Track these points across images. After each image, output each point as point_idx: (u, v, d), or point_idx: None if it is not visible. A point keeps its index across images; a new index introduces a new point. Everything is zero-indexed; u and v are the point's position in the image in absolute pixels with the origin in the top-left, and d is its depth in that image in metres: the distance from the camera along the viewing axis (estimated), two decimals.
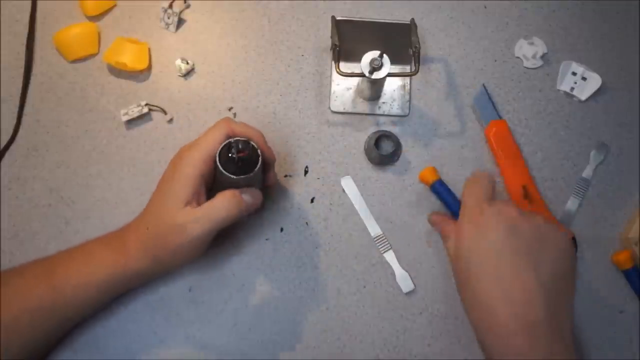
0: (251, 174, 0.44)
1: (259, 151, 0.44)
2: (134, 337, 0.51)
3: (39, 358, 0.49)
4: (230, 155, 0.43)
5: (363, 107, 0.57)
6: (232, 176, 0.43)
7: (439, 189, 0.53)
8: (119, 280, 0.46)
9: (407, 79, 0.58)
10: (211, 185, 0.47)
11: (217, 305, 0.52)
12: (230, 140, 0.44)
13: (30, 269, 0.47)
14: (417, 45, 0.52)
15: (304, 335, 0.52)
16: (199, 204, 0.45)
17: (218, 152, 0.44)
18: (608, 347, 0.53)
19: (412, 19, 0.54)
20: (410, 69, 0.55)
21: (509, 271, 0.42)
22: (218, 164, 0.43)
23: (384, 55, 0.50)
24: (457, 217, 0.53)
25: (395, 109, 0.57)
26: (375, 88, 0.55)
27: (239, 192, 0.45)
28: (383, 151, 0.55)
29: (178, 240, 0.44)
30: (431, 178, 0.53)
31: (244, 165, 0.44)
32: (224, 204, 0.44)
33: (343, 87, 0.58)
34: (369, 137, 0.56)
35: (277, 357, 0.51)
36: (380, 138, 0.55)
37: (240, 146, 0.43)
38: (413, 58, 0.52)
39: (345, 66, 0.56)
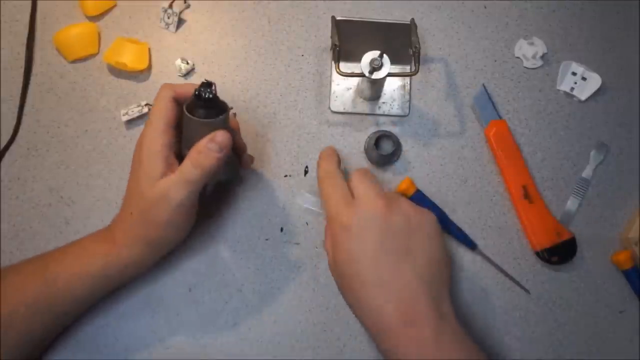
0: (222, 116, 0.44)
1: (221, 100, 0.44)
2: (134, 337, 0.51)
3: (37, 354, 0.49)
4: (200, 96, 0.42)
5: (363, 107, 0.57)
6: (201, 120, 0.43)
7: (419, 199, 0.54)
8: (113, 270, 0.46)
9: (407, 79, 0.58)
10: (179, 152, 0.46)
11: (217, 305, 0.52)
12: (196, 87, 0.43)
13: (25, 266, 0.47)
14: (417, 45, 0.52)
15: (304, 335, 0.52)
16: (173, 172, 0.44)
17: (185, 106, 0.43)
18: (608, 347, 0.53)
19: (412, 19, 0.54)
20: (410, 69, 0.55)
21: (388, 271, 0.42)
22: (186, 112, 0.43)
23: (384, 55, 0.50)
24: (440, 224, 0.51)
25: (395, 109, 0.57)
26: (375, 88, 0.55)
27: (203, 143, 0.43)
28: (383, 151, 0.55)
29: (163, 212, 0.43)
30: (410, 190, 0.53)
31: (210, 110, 0.43)
32: (194, 162, 0.43)
33: (343, 87, 0.58)
34: (369, 137, 0.56)
35: (277, 357, 0.51)
36: (380, 138, 0.55)
37: (207, 88, 0.43)
38: (413, 58, 0.52)
39: (345, 66, 0.56)
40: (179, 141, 0.46)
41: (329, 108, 0.57)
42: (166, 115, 0.44)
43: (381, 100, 0.57)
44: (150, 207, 0.44)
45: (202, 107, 0.43)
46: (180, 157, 0.46)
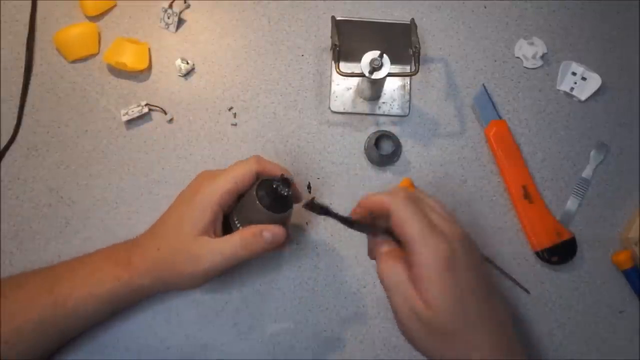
0: (284, 214, 0.44)
1: (292, 194, 0.45)
2: (134, 337, 0.51)
3: None
4: (276, 190, 0.43)
5: (363, 107, 0.57)
6: (267, 211, 0.43)
7: None
8: (122, 295, 0.46)
9: (407, 79, 0.58)
10: (235, 216, 0.46)
11: (217, 305, 0.52)
12: (275, 178, 0.44)
13: (32, 280, 0.46)
14: (417, 45, 0.52)
15: (304, 335, 0.52)
16: (215, 234, 0.44)
17: (257, 185, 0.44)
18: (608, 347, 0.53)
19: (412, 19, 0.54)
20: (410, 69, 0.55)
21: (485, 304, 0.38)
22: (256, 198, 0.43)
23: (384, 55, 0.50)
24: None
25: (395, 109, 0.57)
26: (375, 88, 0.55)
27: (260, 229, 0.44)
28: (383, 151, 0.55)
29: (189, 270, 0.44)
30: (410, 190, 0.53)
31: (277, 203, 0.44)
32: (244, 242, 0.43)
33: (343, 87, 0.58)
34: (369, 137, 0.56)
35: (277, 357, 0.51)
36: (380, 138, 0.55)
37: (284, 185, 0.43)
38: (413, 58, 0.52)
39: (345, 66, 0.56)
40: (232, 208, 0.46)
41: (329, 108, 0.57)
42: (241, 183, 0.44)
43: (381, 100, 0.57)
44: (179, 259, 0.44)
45: (272, 198, 0.44)
46: (225, 217, 0.46)
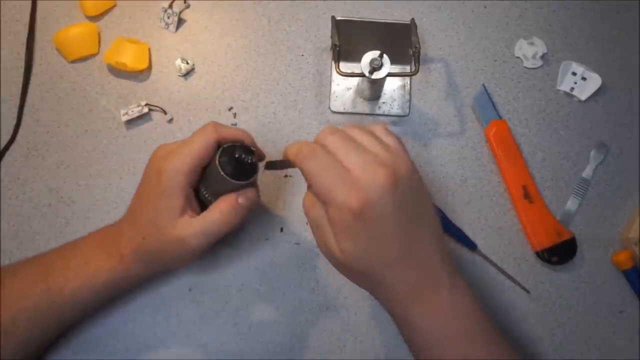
0: (251, 179, 0.44)
1: (256, 159, 0.44)
2: (134, 337, 0.51)
3: (36, 357, 0.49)
4: (237, 158, 0.43)
5: (363, 107, 0.57)
6: (236, 182, 0.43)
7: None
8: (117, 284, 0.46)
9: (407, 79, 0.58)
10: (202, 187, 0.46)
11: (217, 305, 0.52)
12: (234, 144, 0.44)
13: (25, 269, 0.46)
14: (417, 45, 0.52)
15: (304, 335, 0.52)
16: (192, 210, 0.44)
17: (218, 156, 0.43)
18: (608, 347, 0.53)
19: (412, 19, 0.54)
20: (410, 69, 0.55)
21: (408, 243, 0.39)
22: (220, 170, 0.43)
23: (384, 55, 0.50)
24: (441, 224, 0.49)
25: (395, 109, 0.57)
26: (375, 88, 0.55)
27: (235, 199, 0.44)
28: None
29: (176, 253, 0.44)
30: None
31: (242, 169, 0.44)
32: (223, 216, 0.43)
33: (343, 87, 0.58)
34: None
35: (277, 357, 0.51)
36: None
37: (245, 152, 0.43)
38: (413, 58, 0.52)
39: (345, 66, 0.56)
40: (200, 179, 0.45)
41: (329, 108, 0.57)
42: (202, 155, 0.43)
43: (381, 100, 0.57)
44: (166, 245, 0.44)
45: (235, 167, 0.43)
46: (196, 193, 0.46)
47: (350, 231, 0.37)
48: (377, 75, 0.50)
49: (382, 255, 0.39)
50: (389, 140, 0.40)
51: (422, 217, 0.40)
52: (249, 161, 0.43)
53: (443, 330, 0.41)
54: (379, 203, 0.37)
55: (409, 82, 0.58)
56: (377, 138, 0.40)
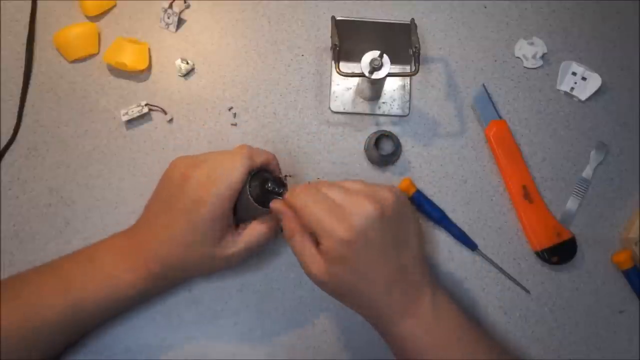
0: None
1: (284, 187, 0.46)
2: (134, 337, 0.51)
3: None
4: (267, 188, 0.45)
5: (363, 107, 0.57)
6: (262, 209, 0.45)
7: (418, 199, 0.54)
8: (140, 297, 0.48)
9: (407, 79, 0.58)
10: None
11: (217, 305, 0.52)
12: (264, 172, 0.46)
13: (41, 281, 0.46)
14: (417, 45, 0.52)
15: (304, 335, 0.52)
16: (229, 226, 0.46)
17: (249, 185, 0.45)
18: (608, 347, 0.53)
19: (412, 19, 0.54)
20: (410, 69, 0.55)
21: (394, 265, 0.43)
22: (250, 198, 0.45)
23: (384, 55, 0.50)
24: (440, 224, 0.54)
25: (395, 109, 0.57)
26: (375, 88, 0.55)
27: (273, 221, 0.47)
28: (383, 151, 0.55)
29: (217, 269, 0.48)
30: (410, 190, 0.54)
31: (269, 197, 0.46)
32: (263, 236, 0.47)
33: (343, 87, 0.58)
34: (369, 137, 0.56)
35: (277, 357, 0.51)
36: (380, 138, 0.55)
37: (276, 184, 0.45)
38: (413, 58, 0.52)
39: (345, 66, 0.56)
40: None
41: (329, 108, 0.57)
42: (237, 184, 0.44)
43: (381, 100, 0.57)
44: (214, 263, 0.46)
45: (266, 196, 0.46)
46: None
47: (340, 259, 0.41)
48: (377, 75, 0.50)
49: (370, 279, 0.42)
50: (350, 187, 0.44)
51: (407, 241, 0.44)
52: (278, 192, 0.45)
53: (429, 341, 0.43)
54: (366, 233, 0.40)
55: (409, 82, 0.58)
56: (360, 182, 0.44)
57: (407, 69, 0.58)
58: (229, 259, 0.46)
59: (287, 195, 0.44)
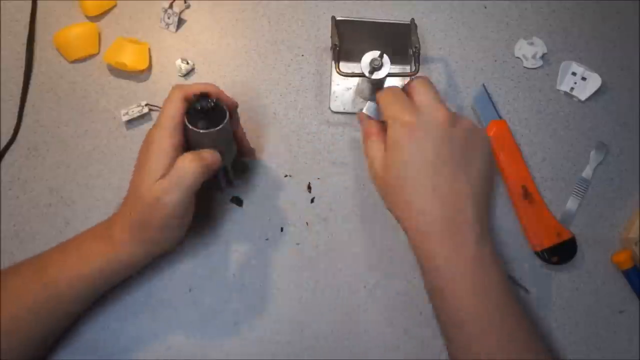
0: (220, 126, 0.44)
1: (222, 104, 0.45)
2: (134, 338, 0.51)
3: (41, 356, 0.49)
4: (196, 108, 0.44)
5: (363, 107, 0.57)
6: (201, 130, 0.44)
7: None
8: (112, 270, 0.46)
9: (407, 79, 0.58)
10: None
11: (217, 305, 0.52)
12: (194, 97, 0.44)
13: (24, 268, 0.46)
14: (417, 45, 0.52)
15: (304, 335, 0.52)
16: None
17: (186, 112, 0.44)
18: (608, 347, 0.53)
19: (412, 19, 0.54)
20: (410, 69, 0.55)
21: (443, 178, 0.42)
22: (187, 123, 0.44)
23: (384, 55, 0.50)
24: None
25: None
26: (375, 88, 0.55)
27: (196, 152, 0.45)
28: None
29: (158, 214, 0.44)
30: None
31: (213, 120, 0.44)
32: (186, 167, 0.44)
33: (343, 87, 0.58)
34: None
35: (277, 357, 0.51)
36: None
37: (204, 100, 0.44)
38: (413, 58, 0.52)
39: (345, 66, 0.56)
40: (186, 144, 0.46)
41: (329, 108, 0.57)
42: (176, 116, 0.44)
43: None
44: (146, 209, 0.44)
45: (203, 118, 0.44)
46: None
47: (398, 145, 0.43)
48: (377, 75, 0.50)
49: (415, 174, 0.42)
50: (431, 97, 0.45)
51: (470, 170, 0.44)
52: (208, 105, 0.44)
53: (465, 281, 0.41)
54: (429, 127, 0.43)
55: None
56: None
57: (407, 69, 0.58)
58: (159, 200, 0.43)
59: (377, 95, 0.47)
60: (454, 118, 0.44)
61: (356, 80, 0.57)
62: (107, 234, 0.46)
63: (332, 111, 0.57)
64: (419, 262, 0.44)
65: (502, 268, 0.43)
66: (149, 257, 0.48)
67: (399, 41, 0.55)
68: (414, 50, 0.52)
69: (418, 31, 0.53)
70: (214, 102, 0.44)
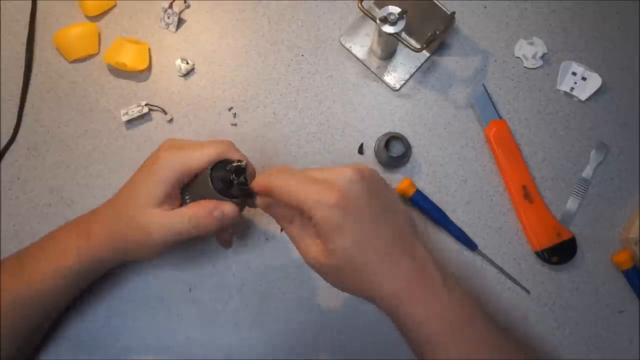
0: (237, 200, 0.43)
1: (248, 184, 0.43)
2: (134, 337, 0.51)
3: (26, 353, 0.49)
4: (231, 178, 0.43)
5: (374, 62, 0.57)
6: (221, 197, 0.43)
7: (419, 199, 0.54)
8: (83, 268, 0.45)
9: (419, 62, 0.58)
10: (187, 191, 0.46)
11: (217, 305, 0.52)
12: (239, 163, 0.43)
13: (8, 264, 0.46)
14: (438, 32, 0.51)
15: (304, 335, 0.52)
16: (170, 207, 0.43)
17: (211, 166, 0.43)
18: (608, 347, 0.53)
19: (454, 12, 0.53)
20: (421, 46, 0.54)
21: (390, 232, 0.39)
22: (210, 180, 0.42)
23: (405, 16, 0.49)
24: (440, 224, 0.54)
25: (390, 79, 0.58)
26: (383, 46, 0.54)
27: (212, 209, 0.43)
28: (393, 153, 0.54)
29: (140, 239, 0.43)
30: (410, 190, 0.53)
31: (233, 188, 0.43)
32: (193, 220, 0.42)
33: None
34: (378, 138, 0.56)
35: (277, 357, 0.51)
36: (390, 140, 0.55)
37: (243, 175, 0.43)
38: (427, 38, 0.51)
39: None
40: (191, 183, 0.45)
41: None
42: (202, 163, 0.43)
43: (391, 64, 0.58)
44: (131, 228, 0.43)
45: (225, 183, 0.43)
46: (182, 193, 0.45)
47: (336, 228, 0.38)
48: (386, 28, 0.49)
49: (372, 246, 0.38)
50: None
51: (395, 206, 0.41)
52: (236, 181, 0.43)
53: (445, 321, 0.39)
54: (353, 195, 0.38)
55: (417, 66, 0.58)
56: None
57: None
58: (147, 231, 0.43)
59: (262, 178, 0.40)
60: (359, 171, 0.39)
61: (365, 53, 0.57)
62: (85, 229, 0.45)
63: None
64: (399, 326, 0.41)
65: (471, 295, 0.42)
66: (122, 260, 0.48)
67: (427, 23, 0.54)
68: (433, 33, 0.51)
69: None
70: (241, 180, 0.43)
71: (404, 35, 0.51)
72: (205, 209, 0.43)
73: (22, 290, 0.44)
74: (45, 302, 0.46)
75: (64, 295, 0.47)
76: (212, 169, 0.43)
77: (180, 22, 0.59)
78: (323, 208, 0.37)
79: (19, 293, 0.44)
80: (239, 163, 0.43)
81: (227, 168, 0.43)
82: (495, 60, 0.59)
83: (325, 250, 0.39)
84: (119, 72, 0.57)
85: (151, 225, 0.42)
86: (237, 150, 0.45)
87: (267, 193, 0.40)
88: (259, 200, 0.42)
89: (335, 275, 0.40)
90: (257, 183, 0.41)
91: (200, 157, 0.43)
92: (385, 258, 0.39)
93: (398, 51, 0.58)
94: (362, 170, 0.40)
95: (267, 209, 0.42)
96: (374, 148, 0.56)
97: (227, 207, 0.43)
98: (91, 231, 0.45)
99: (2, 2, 0.59)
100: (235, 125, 0.57)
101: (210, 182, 0.42)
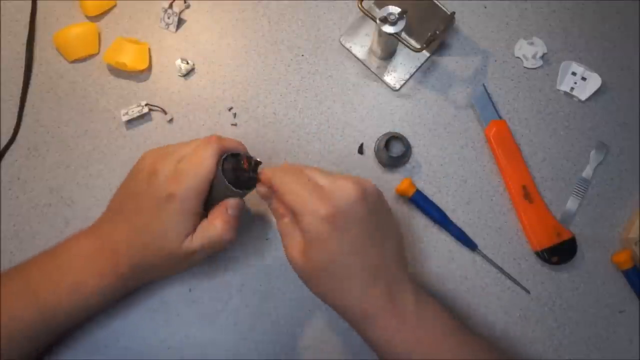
0: (249, 190, 0.46)
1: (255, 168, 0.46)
2: (134, 338, 0.51)
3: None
4: (241, 171, 0.45)
5: (373, 62, 0.57)
6: (238, 191, 0.44)
7: (418, 199, 0.54)
8: (111, 298, 0.46)
9: (418, 63, 0.58)
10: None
11: (217, 305, 0.52)
12: (240, 154, 0.46)
13: (10, 288, 0.44)
14: (438, 32, 0.51)
15: (304, 335, 0.52)
16: (199, 220, 0.45)
17: (222, 167, 0.44)
18: (608, 347, 0.53)
19: (453, 12, 0.53)
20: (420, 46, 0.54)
21: (374, 255, 0.41)
22: (224, 179, 0.44)
23: (404, 16, 0.49)
24: (440, 224, 0.54)
25: (390, 79, 0.57)
26: (383, 46, 0.54)
27: (225, 213, 0.44)
28: (393, 153, 0.54)
29: (182, 268, 0.47)
30: (410, 190, 0.53)
31: (240, 180, 0.45)
32: (219, 231, 0.44)
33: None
34: (379, 138, 0.56)
35: (277, 357, 0.51)
36: (390, 140, 0.55)
37: (252, 163, 0.45)
38: (427, 38, 0.51)
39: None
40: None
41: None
42: (208, 175, 0.43)
43: (391, 64, 0.58)
44: (175, 260, 0.44)
45: (236, 176, 0.44)
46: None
47: (319, 238, 0.39)
48: (385, 28, 0.49)
49: (350, 266, 0.40)
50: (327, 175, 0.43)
51: (389, 233, 0.43)
52: (254, 171, 0.45)
53: (413, 342, 0.41)
54: (348, 214, 0.39)
55: (417, 66, 0.58)
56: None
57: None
58: (191, 257, 0.44)
59: (268, 173, 0.43)
60: (363, 189, 0.41)
61: (365, 51, 0.57)
62: (111, 269, 0.44)
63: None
64: (368, 341, 0.43)
65: (444, 310, 0.43)
66: (144, 283, 0.50)
67: (426, 24, 0.54)
68: (433, 33, 0.51)
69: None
70: (254, 174, 0.45)
71: (404, 35, 0.51)
72: (222, 217, 0.44)
73: (41, 320, 0.44)
74: (64, 326, 0.46)
75: (84, 318, 0.47)
76: (223, 167, 0.44)
77: (180, 22, 0.59)
78: (313, 217, 0.39)
79: (37, 323, 0.44)
80: (254, 158, 0.46)
81: (241, 166, 0.45)
82: (495, 60, 0.59)
83: (305, 253, 0.40)
84: (119, 72, 0.57)
85: (193, 251, 0.44)
86: (226, 139, 0.46)
87: (269, 186, 0.43)
88: (260, 187, 0.45)
89: (307, 278, 0.42)
90: (264, 174, 0.43)
91: (207, 172, 0.43)
92: (356, 281, 0.40)
93: (398, 51, 0.58)
94: (366, 189, 0.41)
95: (265, 198, 0.45)
96: (374, 148, 0.56)
97: (232, 202, 0.45)
98: (119, 272, 0.45)
99: (2, 2, 0.59)
100: (235, 125, 0.57)
101: (225, 180, 0.44)
